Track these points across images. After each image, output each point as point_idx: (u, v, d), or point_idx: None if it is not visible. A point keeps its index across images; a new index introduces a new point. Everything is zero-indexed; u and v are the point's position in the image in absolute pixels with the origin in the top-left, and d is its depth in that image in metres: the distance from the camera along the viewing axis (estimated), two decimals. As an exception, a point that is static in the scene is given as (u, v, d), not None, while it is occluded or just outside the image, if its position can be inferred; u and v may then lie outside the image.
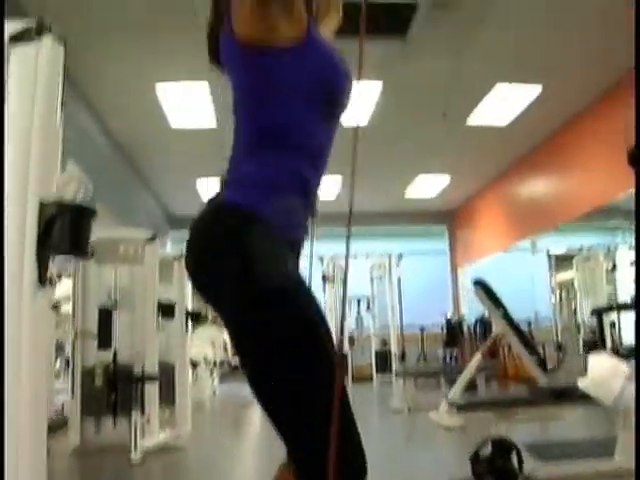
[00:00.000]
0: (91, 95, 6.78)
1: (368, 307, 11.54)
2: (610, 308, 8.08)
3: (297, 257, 1.49)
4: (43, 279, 1.83)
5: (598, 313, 7.54)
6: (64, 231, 1.84)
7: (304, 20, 1.45)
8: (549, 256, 11.13)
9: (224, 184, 1.46)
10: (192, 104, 7.07)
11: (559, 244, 11.05)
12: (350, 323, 11.67)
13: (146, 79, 6.43)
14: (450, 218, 13.23)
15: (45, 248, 1.80)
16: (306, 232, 1.51)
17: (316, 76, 1.43)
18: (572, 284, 10.97)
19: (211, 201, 1.45)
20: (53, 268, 1.89)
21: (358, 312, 11.93)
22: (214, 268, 1.35)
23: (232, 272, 1.31)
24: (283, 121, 1.42)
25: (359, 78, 1.46)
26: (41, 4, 4.95)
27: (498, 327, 5.88)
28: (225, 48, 1.50)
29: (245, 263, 1.30)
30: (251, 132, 1.45)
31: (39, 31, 1.99)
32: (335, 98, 1.49)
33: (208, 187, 10.45)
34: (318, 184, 1.50)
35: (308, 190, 1.46)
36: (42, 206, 1.84)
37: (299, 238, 1.49)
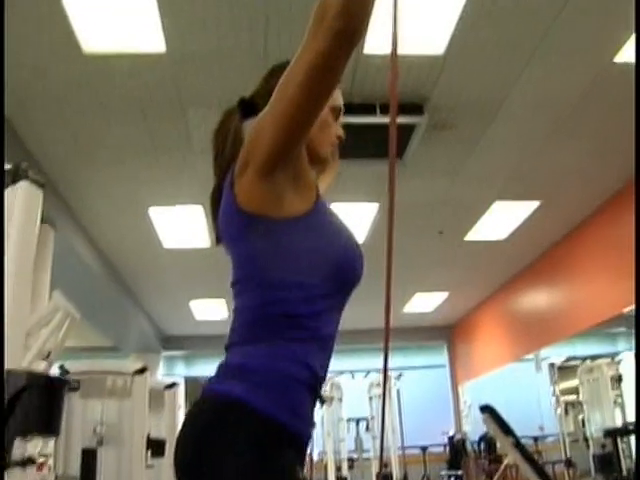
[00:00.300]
0: (83, 218, 6.68)
1: (367, 428, 11.05)
2: (626, 431, 7.70)
3: (302, 457, 1.26)
4: (8, 462, 1.58)
5: (612, 435, 7.16)
6: (32, 408, 1.60)
7: (314, 188, 1.34)
8: (551, 367, 10.78)
9: (221, 368, 1.25)
10: (186, 226, 6.98)
11: (560, 352, 10.74)
12: (349, 445, 11.14)
13: (139, 203, 6.35)
14: (449, 332, 12.97)
15: (9, 429, 1.55)
16: (313, 425, 1.29)
17: (329, 255, 1.29)
18: (577, 396, 10.57)
19: (206, 392, 1.23)
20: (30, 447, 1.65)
21: (357, 433, 11.41)
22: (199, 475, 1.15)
23: None
24: (293, 301, 1.25)
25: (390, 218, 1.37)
26: (36, 133, 4.92)
27: (509, 456, 5.54)
28: (226, 218, 1.33)
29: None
30: (255, 313, 1.26)
31: (15, 177, 1.85)
32: (349, 278, 1.35)
33: (201, 307, 10.27)
34: (327, 372, 1.31)
35: (317, 381, 1.27)
36: (9, 375, 1.61)
37: (306, 435, 1.26)
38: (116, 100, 4.60)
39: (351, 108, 4.61)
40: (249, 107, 1.43)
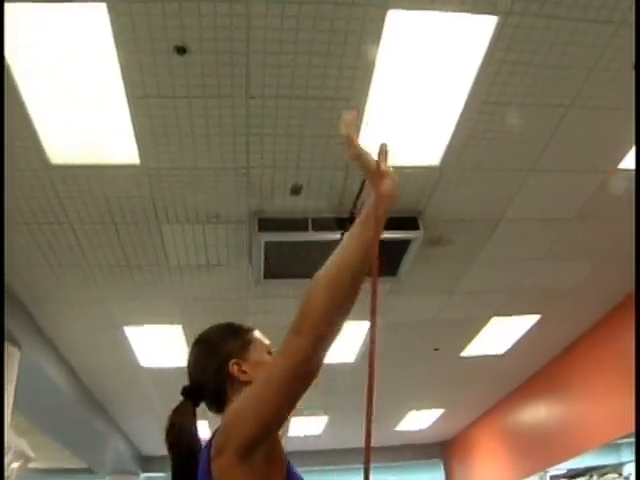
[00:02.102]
0: (54, 337, 6.21)
1: None
2: None
3: None
4: None
5: None
6: None
7: (284, 456, 1.37)
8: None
9: None
10: (164, 345, 6.51)
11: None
12: None
13: (113, 322, 5.91)
14: (445, 449, 12.25)
15: None
16: None
17: None
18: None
19: None
20: None
21: None
22: None
23: None
24: None
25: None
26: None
27: None
28: None
29: None
30: None
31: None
32: None
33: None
34: None
35: None
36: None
37: None
38: (86, 214, 4.26)
39: (340, 223, 4.30)
40: (197, 393, 1.56)
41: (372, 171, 1.29)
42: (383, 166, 1.28)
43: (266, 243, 4.34)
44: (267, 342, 1.62)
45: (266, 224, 4.33)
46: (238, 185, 4.05)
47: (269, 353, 1.57)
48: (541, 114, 3.70)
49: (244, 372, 1.50)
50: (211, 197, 4.15)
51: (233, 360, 1.51)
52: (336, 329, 1.20)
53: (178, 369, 6.84)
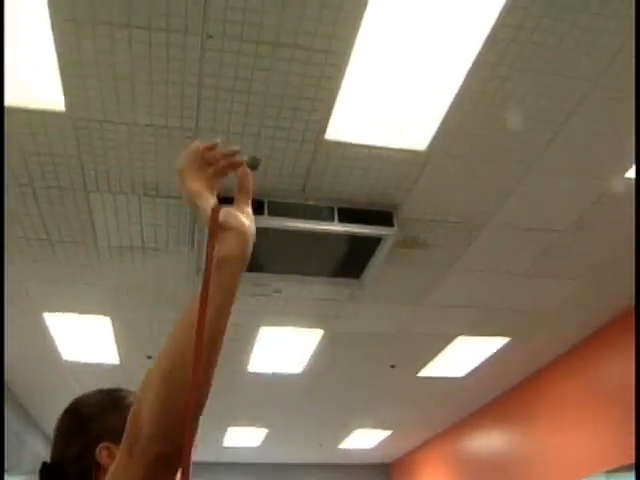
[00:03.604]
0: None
1: None
2: None
3: None
4: None
5: None
6: None
7: None
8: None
9: None
10: (90, 338, 5.75)
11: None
12: None
13: (32, 308, 5.13)
14: (389, 471, 11.66)
15: None
16: None
17: None
18: None
19: None
20: None
21: None
22: None
23: None
24: None
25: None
26: None
27: None
28: None
29: None
30: None
31: None
32: None
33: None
34: None
35: None
36: None
37: None
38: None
39: (302, 210, 3.65)
40: (57, 475, 1.26)
41: (211, 220, 0.93)
42: (234, 211, 0.95)
43: (213, 225, 3.66)
44: None
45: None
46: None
47: None
48: (549, 106, 3.12)
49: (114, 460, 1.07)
50: (150, 163, 3.44)
51: (103, 444, 1.24)
52: (191, 432, 0.81)
53: (105, 366, 6.14)
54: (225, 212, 0.93)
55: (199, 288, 0.84)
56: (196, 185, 0.97)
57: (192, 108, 3.07)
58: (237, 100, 3.03)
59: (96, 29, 2.64)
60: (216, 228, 0.91)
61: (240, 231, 0.92)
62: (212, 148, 1.00)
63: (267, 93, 2.99)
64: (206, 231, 0.91)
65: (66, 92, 2.95)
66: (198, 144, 1.01)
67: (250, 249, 0.94)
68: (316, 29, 2.66)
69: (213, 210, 0.92)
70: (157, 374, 0.84)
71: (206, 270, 0.86)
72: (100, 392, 1.39)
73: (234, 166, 0.99)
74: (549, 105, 3.13)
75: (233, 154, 0.99)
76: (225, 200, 0.99)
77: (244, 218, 0.95)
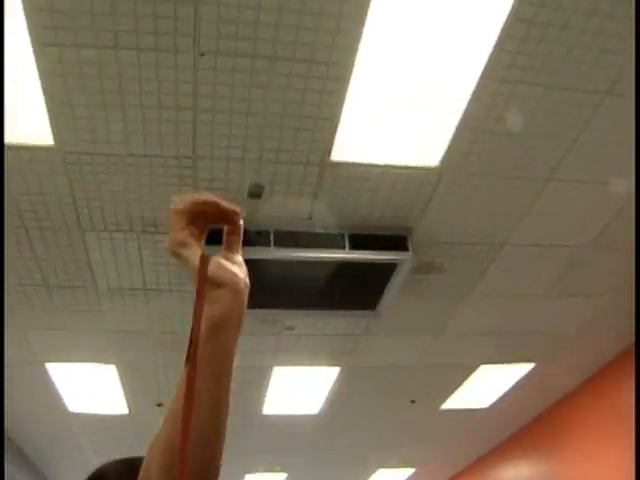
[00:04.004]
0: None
1: None
2: None
3: None
4: None
5: None
6: None
7: None
8: None
9: None
10: (96, 388, 5.51)
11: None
12: None
13: (34, 359, 4.90)
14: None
15: None
16: None
17: None
18: None
19: None
20: None
21: None
22: None
23: None
24: None
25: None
26: None
27: None
28: None
29: None
30: None
31: None
32: None
33: None
34: None
35: None
36: None
37: None
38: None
39: (310, 239, 3.44)
40: None
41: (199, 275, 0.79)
42: (227, 261, 0.83)
43: (217, 261, 3.44)
44: None
45: (217, 237, 3.43)
46: (182, 182, 3.16)
47: None
48: (567, 109, 2.92)
49: None
50: (147, 197, 3.25)
51: None
52: None
53: (113, 417, 5.88)
54: (215, 264, 0.79)
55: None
56: (183, 234, 0.81)
57: (188, 134, 2.88)
58: (235, 122, 2.84)
59: (81, 53, 2.47)
60: (205, 284, 0.77)
61: (234, 288, 0.80)
62: (215, 205, 0.83)
63: (266, 112, 2.80)
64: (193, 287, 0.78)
65: (53, 124, 2.78)
66: (198, 197, 0.84)
67: (245, 307, 0.81)
68: (315, 39, 2.48)
69: (201, 262, 0.78)
70: (158, 450, 0.77)
71: (193, 337, 0.74)
72: (119, 462, 1.32)
73: (232, 219, 0.85)
74: (561, 118, 2.94)
75: (237, 215, 0.85)
76: (211, 234, 0.86)
77: (237, 269, 0.82)
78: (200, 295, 0.76)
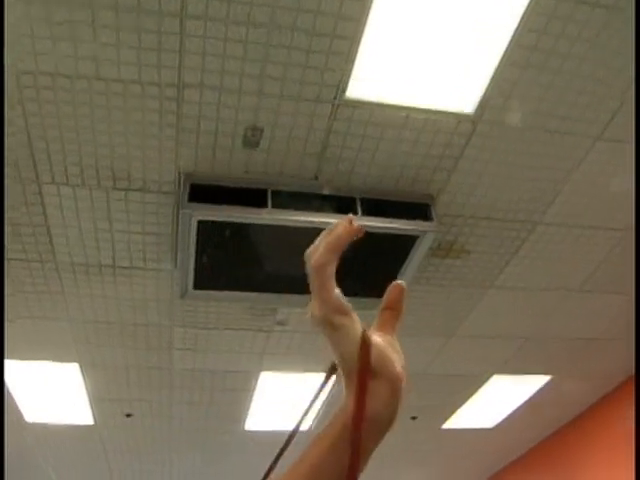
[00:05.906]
0: None
1: None
2: None
3: None
4: None
5: None
6: None
7: None
8: None
9: None
10: (56, 392, 4.84)
11: None
12: None
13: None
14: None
15: None
16: None
17: None
18: None
19: None
20: None
21: None
22: None
23: None
24: None
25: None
26: None
27: None
28: None
29: None
30: None
31: None
32: None
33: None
34: None
35: None
36: None
37: None
38: None
39: (315, 202, 2.87)
40: None
41: (357, 360, 0.59)
42: (383, 351, 0.60)
43: (200, 224, 2.83)
44: None
45: (202, 194, 2.82)
46: (163, 123, 2.57)
47: None
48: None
49: None
50: (119, 141, 2.65)
51: None
52: None
53: (76, 427, 5.19)
54: (376, 349, 0.60)
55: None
56: (339, 297, 0.61)
57: (173, 67, 2.30)
58: (230, 53, 2.27)
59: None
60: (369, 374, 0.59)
61: (394, 384, 0.60)
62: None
63: (270, 44, 2.23)
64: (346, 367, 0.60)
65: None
66: (338, 239, 0.62)
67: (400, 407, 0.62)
68: None
69: (363, 344, 0.59)
70: None
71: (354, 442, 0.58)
72: None
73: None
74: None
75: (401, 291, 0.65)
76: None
77: (397, 358, 0.61)
78: (363, 389, 0.59)
